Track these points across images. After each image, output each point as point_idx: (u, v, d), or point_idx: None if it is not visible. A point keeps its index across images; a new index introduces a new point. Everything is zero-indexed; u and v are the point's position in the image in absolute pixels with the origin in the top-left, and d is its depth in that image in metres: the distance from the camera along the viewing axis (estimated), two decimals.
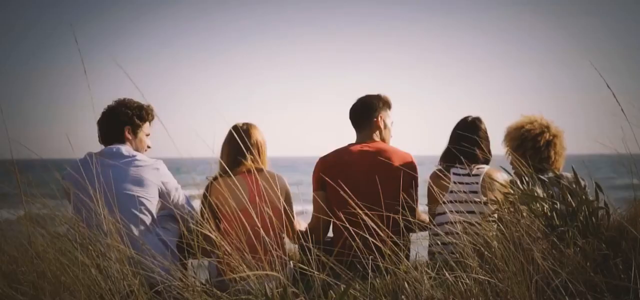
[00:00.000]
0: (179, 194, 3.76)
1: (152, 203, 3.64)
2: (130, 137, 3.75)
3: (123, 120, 3.75)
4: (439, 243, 3.34)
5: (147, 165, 3.65)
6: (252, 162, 3.71)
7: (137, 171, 3.61)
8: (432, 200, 3.80)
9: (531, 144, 3.83)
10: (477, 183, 3.74)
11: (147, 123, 3.84)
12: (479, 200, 3.62)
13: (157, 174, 3.67)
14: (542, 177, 3.47)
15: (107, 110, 3.79)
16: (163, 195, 3.70)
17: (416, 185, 3.83)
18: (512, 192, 3.19)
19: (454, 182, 3.74)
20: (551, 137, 3.86)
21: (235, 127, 3.85)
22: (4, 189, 3.39)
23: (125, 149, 3.68)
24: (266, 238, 3.09)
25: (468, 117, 4.00)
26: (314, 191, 3.85)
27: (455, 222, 3.12)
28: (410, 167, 3.78)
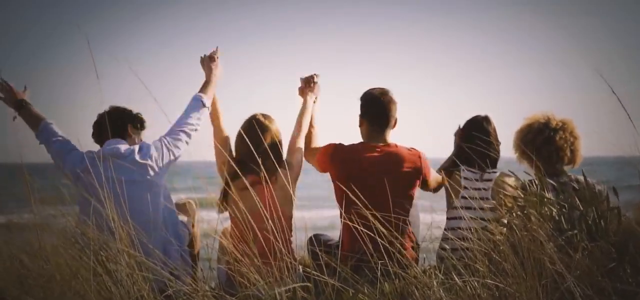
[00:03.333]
0: (168, 141, 3.70)
1: (159, 193, 3.64)
2: (132, 134, 3.79)
3: (128, 116, 3.81)
4: (448, 248, 3.34)
5: (147, 156, 3.64)
6: (268, 165, 3.45)
7: (140, 168, 3.60)
8: (446, 197, 3.81)
9: (531, 156, 3.81)
10: (486, 189, 3.73)
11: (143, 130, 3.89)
12: (490, 206, 3.61)
13: (155, 156, 3.65)
14: (551, 181, 3.47)
15: (108, 110, 3.80)
16: (167, 164, 3.69)
17: (429, 176, 3.78)
18: (522, 196, 3.19)
19: (465, 187, 3.73)
20: (548, 135, 3.80)
21: (252, 123, 3.72)
22: (13, 191, 3.39)
23: (123, 147, 3.67)
24: (276, 244, 3.01)
25: (478, 116, 3.98)
26: (319, 154, 3.84)
27: (468, 229, 3.09)
28: (421, 165, 3.72)
